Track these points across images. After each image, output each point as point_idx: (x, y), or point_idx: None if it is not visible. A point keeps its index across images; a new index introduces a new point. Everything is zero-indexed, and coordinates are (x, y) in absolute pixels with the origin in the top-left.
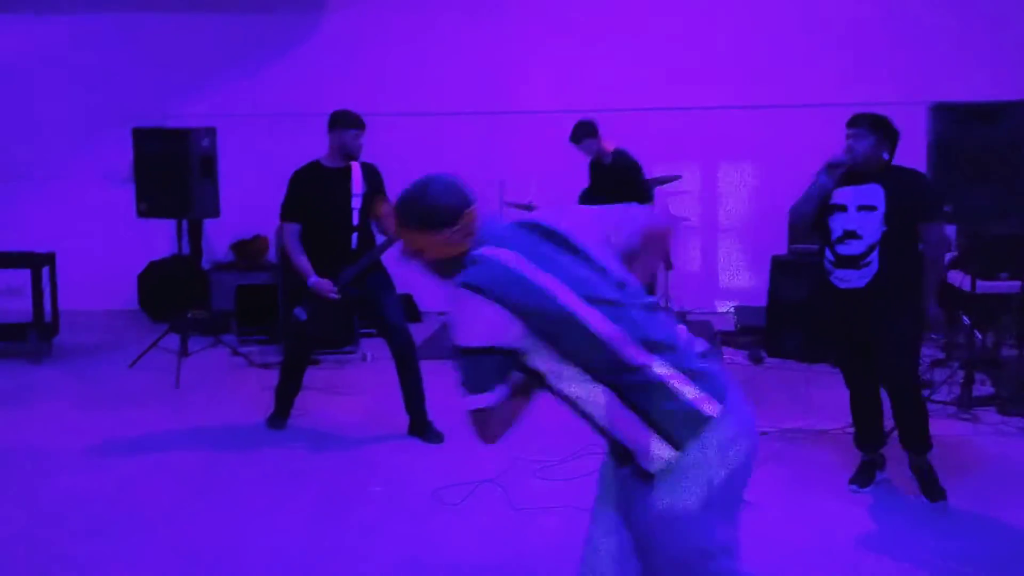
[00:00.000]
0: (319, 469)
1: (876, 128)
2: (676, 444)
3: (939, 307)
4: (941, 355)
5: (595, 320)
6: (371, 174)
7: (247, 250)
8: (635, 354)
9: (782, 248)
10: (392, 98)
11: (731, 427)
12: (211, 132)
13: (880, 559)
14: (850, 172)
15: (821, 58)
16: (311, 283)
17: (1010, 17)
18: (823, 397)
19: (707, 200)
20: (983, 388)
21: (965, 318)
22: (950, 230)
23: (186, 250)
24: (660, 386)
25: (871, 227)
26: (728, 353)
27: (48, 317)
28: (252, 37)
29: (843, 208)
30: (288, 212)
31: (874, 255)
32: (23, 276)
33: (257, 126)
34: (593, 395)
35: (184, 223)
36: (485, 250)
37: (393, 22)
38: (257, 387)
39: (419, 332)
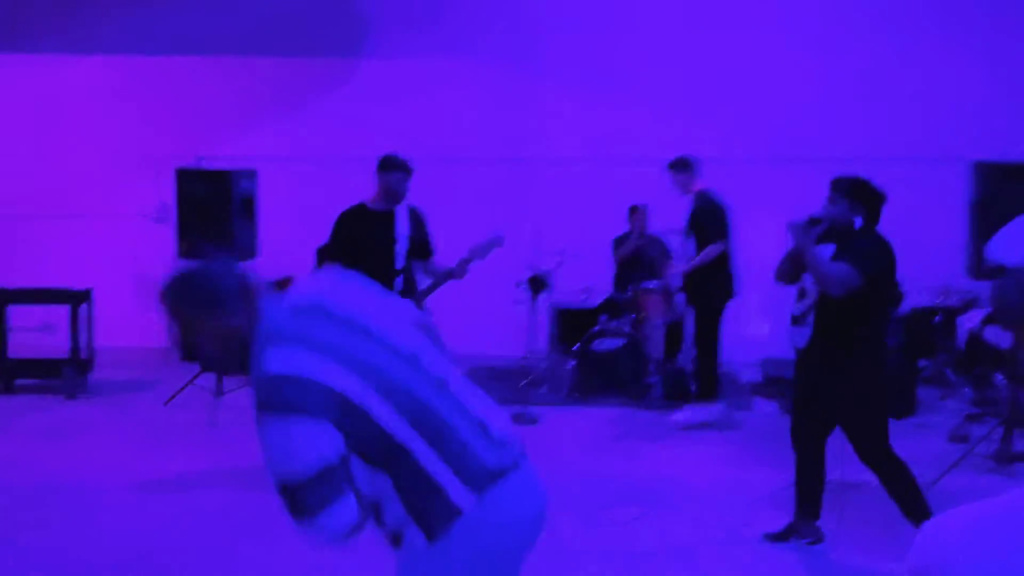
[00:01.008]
0: None
1: (851, 194)
2: (428, 534)
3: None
4: (974, 409)
5: (379, 410)
6: (416, 218)
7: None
8: (408, 438)
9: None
10: (429, 143)
11: (494, 516)
12: (251, 174)
13: None
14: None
15: (864, 112)
16: None
17: None
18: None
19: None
20: (1020, 444)
21: (999, 375)
22: (987, 287)
23: None
24: (422, 473)
25: (813, 286)
26: (759, 404)
27: (84, 353)
28: (292, 81)
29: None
30: (330, 253)
31: (811, 316)
32: (61, 312)
33: (295, 169)
34: (372, 477)
35: None
36: (274, 353)
37: (430, 68)
38: None
39: None
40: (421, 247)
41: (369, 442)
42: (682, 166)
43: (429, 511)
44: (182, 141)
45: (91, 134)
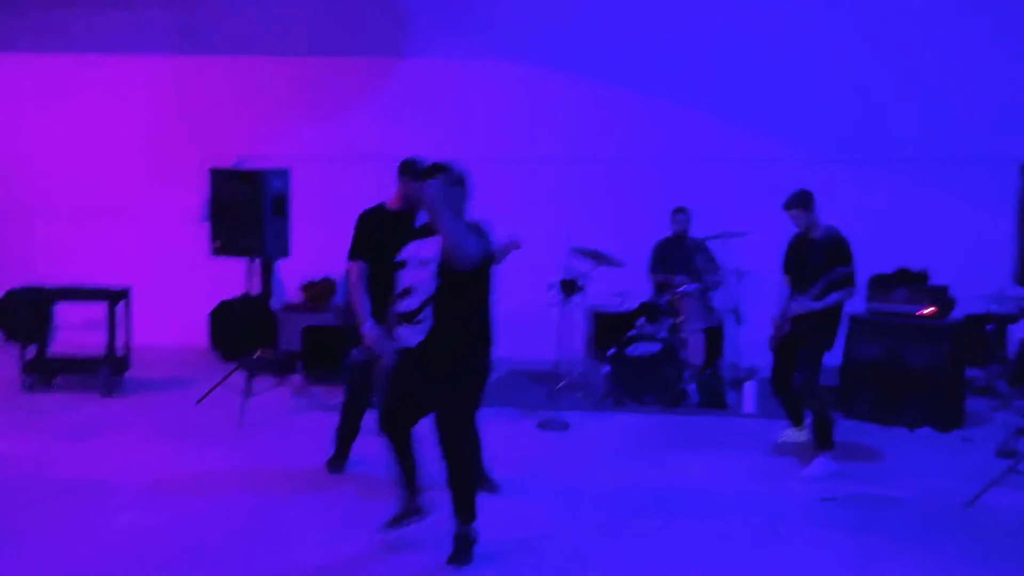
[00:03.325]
0: (370, 516)
1: (804, 204)
2: None
3: None
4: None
5: None
6: None
7: (315, 291)
8: None
9: (859, 307)
10: (464, 143)
11: None
12: (284, 174)
13: None
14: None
15: (911, 113)
16: (363, 330)
17: None
18: (898, 460)
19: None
20: None
21: None
22: None
23: (257, 290)
24: None
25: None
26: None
27: (120, 352)
28: (327, 81)
29: None
30: (355, 251)
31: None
32: (99, 310)
33: (329, 169)
34: None
35: (256, 263)
36: None
37: (467, 70)
38: (319, 429)
39: None
40: None
41: None
42: (798, 203)
43: None
44: (219, 141)
45: (130, 135)
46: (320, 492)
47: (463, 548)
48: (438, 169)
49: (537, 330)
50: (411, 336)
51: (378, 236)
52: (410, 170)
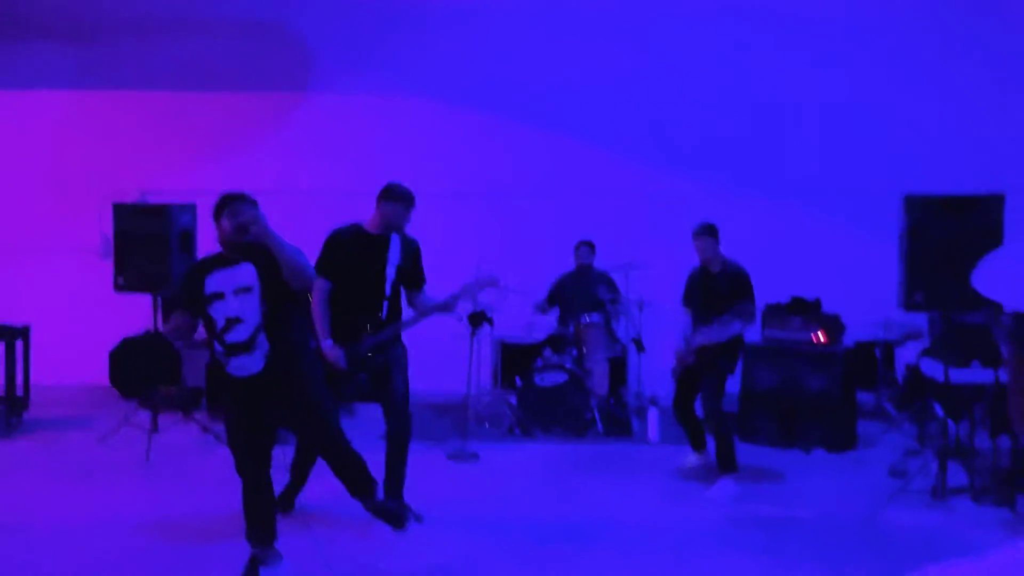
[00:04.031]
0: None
1: (714, 233)
2: None
3: None
4: (914, 444)
5: None
6: (408, 246)
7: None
8: None
9: (756, 335)
10: (368, 177)
11: None
12: (191, 208)
13: None
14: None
15: (804, 147)
16: (324, 347)
17: (983, 112)
18: (797, 481)
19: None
20: (958, 477)
21: (938, 407)
22: (922, 318)
23: (160, 326)
24: None
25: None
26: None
27: (20, 391)
28: (233, 116)
29: None
30: (320, 268)
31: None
32: None
33: None
34: None
35: (159, 300)
36: None
37: (370, 105)
38: (224, 465)
39: None
40: (412, 277)
41: None
42: (709, 232)
43: None
44: (123, 177)
45: (30, 170)
46: (232, 536)
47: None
48: (242, 199)
49: (446, 363)
50: (251, 365)
51: (351, 254)
52: (389, 195)
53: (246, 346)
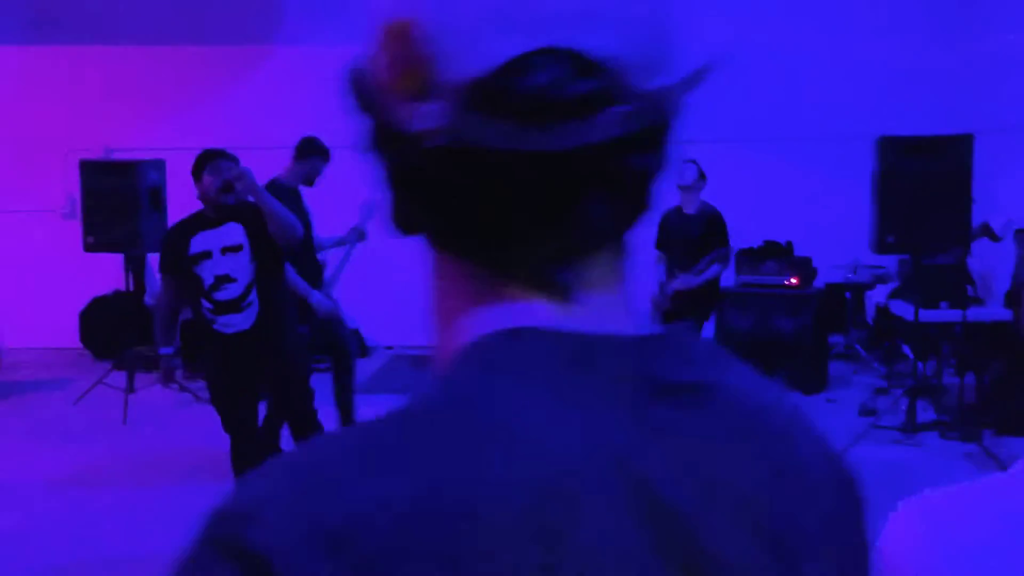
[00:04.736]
0: None
1: (701, 175)
2: None
3: None
4: (883, 383)
5: None
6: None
7: None
8: None
9: (730, 280)
10: (333, 132)
11: None
12: (160, 165)
13: None
14: None
15: (770, 93)
16: (314, 301)
17: (951, 54)
18: None
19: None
20: (926, 414)
21: (907, 347)
22: (892, 260)
23: (131, 285)
24: None
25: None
26: None
27: None
28: (200, 70)
29: None
30: None
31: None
32: None
33: None
34: None
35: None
36: None
37: (340, 56)
38: (205, 422)
39: (367, 366)
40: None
41: None
42: (701, 173)
43: None
44: (89, 133)
45: None
46: (216, 479)
47: None
48: (223, 155)
49: (418, 315)
50: (240, 322)
51: (303, 210)
52: (315, 150)
53: (236, 304)
